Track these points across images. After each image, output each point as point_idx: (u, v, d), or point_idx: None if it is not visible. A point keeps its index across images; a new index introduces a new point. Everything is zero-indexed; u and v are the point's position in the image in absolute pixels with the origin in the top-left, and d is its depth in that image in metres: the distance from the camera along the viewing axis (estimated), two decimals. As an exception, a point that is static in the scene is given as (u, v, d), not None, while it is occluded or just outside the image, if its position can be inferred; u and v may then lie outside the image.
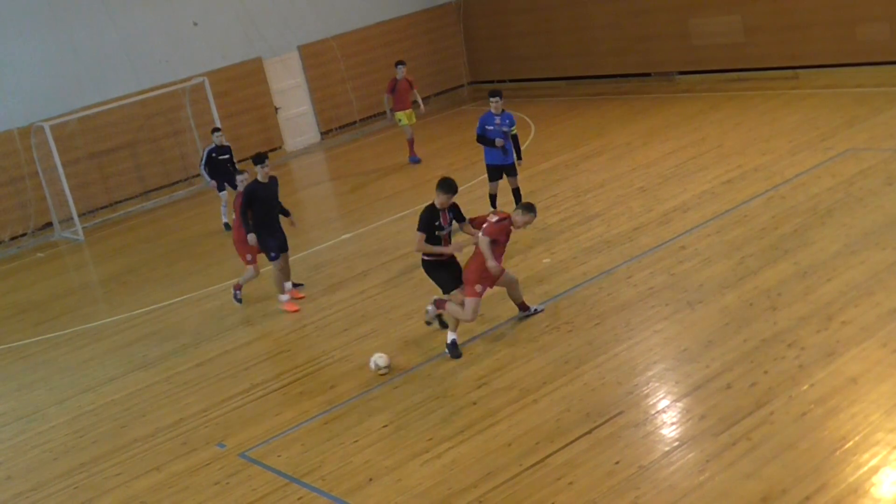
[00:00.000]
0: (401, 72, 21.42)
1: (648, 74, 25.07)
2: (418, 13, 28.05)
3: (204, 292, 15.88)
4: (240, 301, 14.65)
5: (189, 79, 23.09)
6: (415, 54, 27.57)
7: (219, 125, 21.97)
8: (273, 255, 13.94)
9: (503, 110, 15.30)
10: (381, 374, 11.36)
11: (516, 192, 15.63)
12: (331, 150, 25.58)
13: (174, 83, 23.00)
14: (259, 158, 13.76)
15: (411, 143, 22.00)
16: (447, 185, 11.44)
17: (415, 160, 21.82)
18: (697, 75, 23.96)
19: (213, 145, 18.98)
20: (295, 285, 14.72)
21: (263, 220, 13.84)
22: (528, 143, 21.38)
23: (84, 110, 21.81)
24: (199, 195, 23.04)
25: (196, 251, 18.86)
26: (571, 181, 17.76)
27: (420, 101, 21.74)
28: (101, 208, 22.64)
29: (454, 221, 11.78)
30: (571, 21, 26.21)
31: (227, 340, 13.54)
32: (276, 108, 25.40)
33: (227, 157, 18.98)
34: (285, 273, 14.27)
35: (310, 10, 25.92)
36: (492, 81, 24.64)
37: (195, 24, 23.98)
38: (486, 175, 15.90)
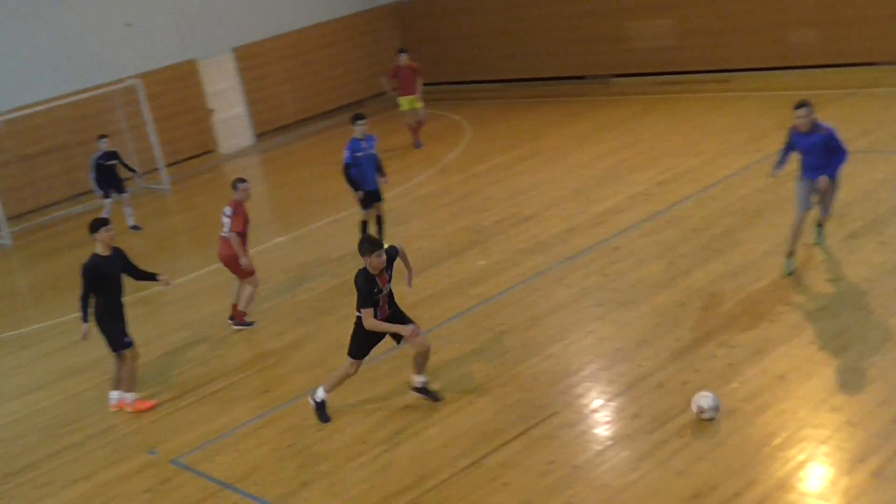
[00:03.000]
0: (403, 59, 21.62)
1: (583, 77, 25.26)
2: (355, 15, 27.99)
3: (135, 297, 15.61)
4: (250, 324, 13.34)
5: (122, 80, 22.79)
6: (352, 56, 27.54)
7: (145, 128, 21.78)
8: (128, 339, 11.27)
9: (366, 133, 14.80)
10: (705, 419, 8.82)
11: (380, 221, 15.17)
12: (266, 152, 25.41)
13: (106, 85, 22.67)
14: (96, 225, 11.11)
15: (412, 129, 22.06)
16: (371, 245, 9.60)
17: (419, 145, 21.93)
18: (632, 78, 24.21)
19: (100, 152, 19.10)
20: (247, 324, 13.36)
21: (108, 304, 11.13)
22: (463, 145, 21.42)
23: (13, 112, 21.40)
24: (131, 199, 22.70)
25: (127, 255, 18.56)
26: (506, 183, 17.82)
27: (420, 87, 21.76)
28: (30, 212, 22.24)
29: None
30: (507, 24, 26.33)
31: (159, 345, 13.36)
32: (211, 111, 25.18)
33: (114, 162, 19.18)
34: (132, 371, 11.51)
35: (244, 11, 25.73)
36: (429, 84, 24.60)
37: (128, 25, 23.67)
38: (424, 175, 15.86)
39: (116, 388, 11.54)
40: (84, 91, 22.38)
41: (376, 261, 9.54)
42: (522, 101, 25.00)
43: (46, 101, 21.91)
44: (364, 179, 14.76)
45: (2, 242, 20.96)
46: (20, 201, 21.99)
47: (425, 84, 22.33)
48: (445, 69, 27.73)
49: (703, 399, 8.72)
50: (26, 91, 21.97)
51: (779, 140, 16.68)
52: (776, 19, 21.44)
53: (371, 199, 14.98)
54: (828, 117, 17.45)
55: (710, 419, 8.68)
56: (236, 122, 25.88)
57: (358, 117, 14.90)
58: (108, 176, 19.17)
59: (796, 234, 11.52)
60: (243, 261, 12.86)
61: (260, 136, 26.24)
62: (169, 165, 23.33)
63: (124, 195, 19.63)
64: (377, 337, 9.99)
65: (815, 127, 11.46)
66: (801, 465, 7.86)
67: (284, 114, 26.60)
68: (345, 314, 13.03)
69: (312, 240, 16.74)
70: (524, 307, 12.21)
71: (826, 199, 11.80)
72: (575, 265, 13.20)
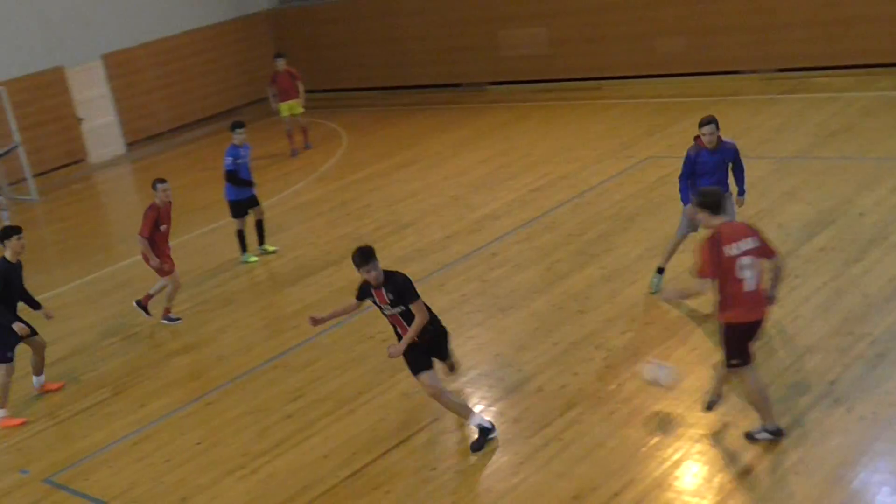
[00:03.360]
0: (280, 64, 21.39)
1: (459, 85, 25.46)
2: (229, 22, 27.61)
3: (4, 312, 15.17)
4: (177, 319, 13.27)
5: (-15, 88, 22.04)
6: (225, 64, 27.16)
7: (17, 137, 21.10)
8: (10, 354, 11.14)
9: (244, 141, 14.92)
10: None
11: (260, 225, 15.09)
12: (137, 161, 24.87)
13: (-31, 92, 21.91)
14: (9, 232, 11.07)
15: (290, 135, 21.85)
16: (360, 257, 8.68)
17: (295, 153, 21.77)
18: (506, 86, 24.49)
19: None
20: (171, 320, 13.30)
21: (3, 313, 10.92)
22: (340, 153, 21.36)
23: None
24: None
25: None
26: (384, 191, 17.84)
27: (302, 92, 21.58)
28: None
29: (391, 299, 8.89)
30: (383, 32, 26.37)
31: (28, 362, 12.91)
32: (80, 119, 24.52)
33: None
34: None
35: (113, 18, 25.12)
36: (305, 92, 24.40)
37: (-9, 31, 22.93)
38: (302, 183, 15.78)
39: None
40: (-56, 99, 21.58)
41: (366, 276, 8.73)
42: (399, 109, 25.06)
43: None
44: (231, 188, 14.84)
45: None
46: None
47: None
48: (321, 77, 27.57)
49: (655, 371, 8.81)
50: None
51: (651, 146, 17.24)
52: (646, 28, 21.98)
53: (248, 205, 14.91)
54: (696, 124, 18.04)
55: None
56: (107, 131, 25.24)
57: (237, 125, 14.93)
58: None
59: (671, 252, 11.37)
60: (151, 263, 12.92)
61: (131, 144, 25.65)
62: (37, 175, 22.61)
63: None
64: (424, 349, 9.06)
65: (720, 143, 10.93)
66: (677, 463, 8.07)
67: (157, 122, 26.08)
68: (222, 325, 12.93)
69: (187, 250, 16.43)
70: (404, 314, 12.22)
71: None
72: (454, 272, 13.29)
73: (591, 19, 22.75)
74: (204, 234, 17.22)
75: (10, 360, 11.11)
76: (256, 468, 9.32)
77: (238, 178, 14.73)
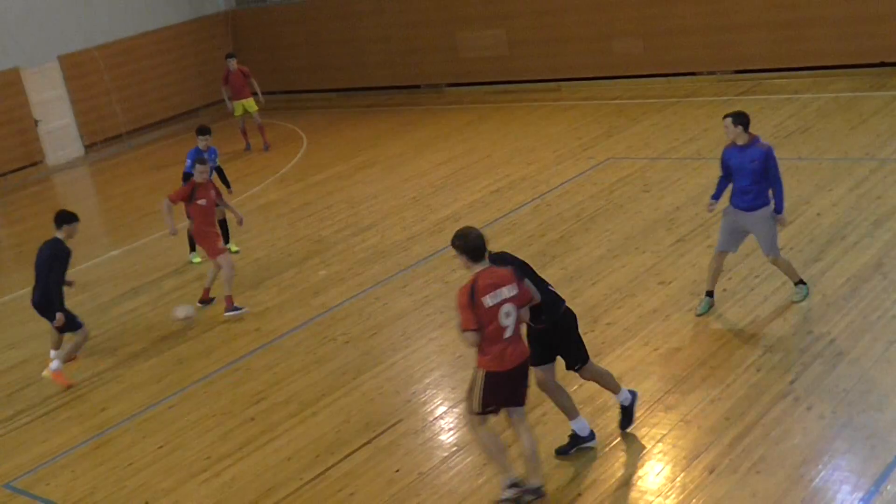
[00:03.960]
0: (232, 64, 21.62)
1: (418, 86, 25.47)
2: (186, 23, 27.43)
3: (-40, 316, 15.01)
4: (241, 309, 12.87)
5: (-62, 89, 21.76)
6: (183, 65, 26.98)
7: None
8: (78, 321, 11.74)
9: (209, 145, 15.01)
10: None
11: (223, 224, 14.88)
12: (96, 163, 24.65)
13: (-79, 94, 21.61)
14: (69, 217, 11.65)
15: (243, 133, 22.12)
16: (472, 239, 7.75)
17: (249, 148, 22.05)
18: (465, 87, 24.54)
19: None
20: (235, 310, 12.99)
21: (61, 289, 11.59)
22: (299, 155, 21.31)
23: None
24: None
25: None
26: (345, 192, 17.82)
27: (258, 91, 21.75)
28: None
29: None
30: (341, 33, 26.32)
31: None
32: (36, 121, 24.26)
33: None
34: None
35: (69, 19, 24.87)
36: (263, 93, 24.28)
37: (-56, 31, 22.64)
38: (262, 185, 15.72)
39: None
40: None
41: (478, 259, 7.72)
42: (358, 111, 25.03)
43: None
44: None
45: None
46: None
47: (256, 94, 22.04)
48: (280, 78, 27.47)
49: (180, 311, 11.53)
50: None
51: (610, 147, 17.36)
52: (602, 30, 22.12)
53: None
54: (655, 125, 18.29)
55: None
56: (64, 133, 24.98)
57: (202, 131, 15.02)
58: None
59: (714, 273, 10.63)
60: (168, 229, 13.19)
61: (89, 147, 25.41)
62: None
63: None
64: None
65: (751, 141, 10.13)
66: (639, 463, 8.13)
67: (115, 124, 25.83)
68: (178, 329, 12.79)
69: (147, 253, 16.34)
70: (366, 316, 12.23)
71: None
72: (416, 273, 13.31)
73: (550, 21, 22.86)
74: (163, 236, 17.07)
75: (80, 325, 11.68)
76: (220, 471, 9.29)
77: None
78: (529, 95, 22.75)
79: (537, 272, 8.24)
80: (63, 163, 24.74)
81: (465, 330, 7.47)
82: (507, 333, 7.49)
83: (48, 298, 11.46)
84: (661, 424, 8.66)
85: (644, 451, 8.32)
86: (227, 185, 15.33)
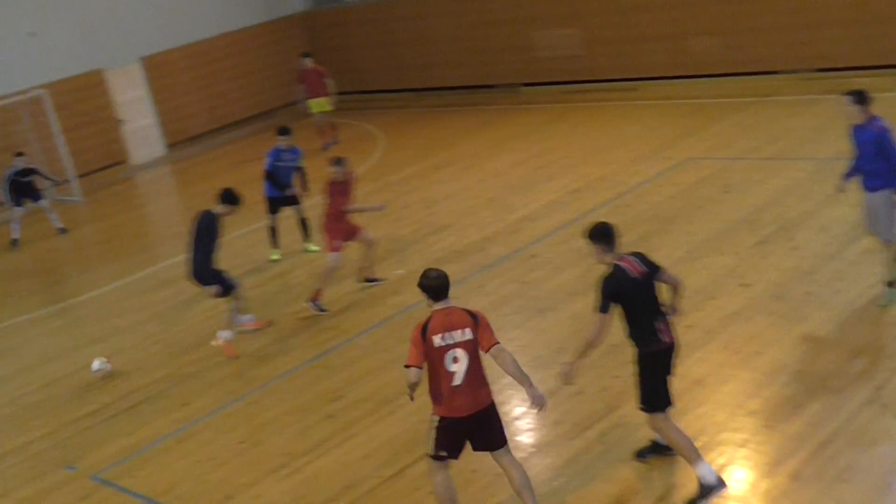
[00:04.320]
0: (307, 63, 22.21)
1: (493, 86, 25.46)
2: (263, 24, 27.80)
3: (49, 310, 15.39)
4: (322, 309, 13.06)
5: (26, 91, 22.27)
6: (261, 65, 27.34)
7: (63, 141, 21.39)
8: (230, 283, 12.28)
9: (291, 145, 15.29)
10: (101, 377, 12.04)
11: (303, 223, 15.44)
12: (177, 162, 25.09)
13: (10, 95, 22.12)
14: (232, 197, 12.06)
15: (319, 131, 22.51)
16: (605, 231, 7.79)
17: (327, 146, 22.25)
18: (540, 87, 24.47)
19: (16, 168, 19.32)
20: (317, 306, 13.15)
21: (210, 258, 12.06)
22: (376, 155, 21.44)
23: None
24: (42, 210, 22.25)
25: (40, 268, 18.27)
26: (422, 192, 17.89)
27: (332, 91, 22.26)
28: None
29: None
30: (415, 33, 26.43)
31: (74, 360, 13.10)
32: (120, 121, 24.78)
33: (30, 178, 19.47)
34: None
35: (152, 20, 25.37)
36: (338, 93, 24.47)
37: (31, 34, 23.15)
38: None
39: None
40: (-11, 101, 21.86)
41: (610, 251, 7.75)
42: (433, 111, 25.10)
43: (-53, 111, 21.35)
44: (270, 185, 15.18)
45: None
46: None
47: (335, 93, 22.34)
48: (354, 78, 27.68)
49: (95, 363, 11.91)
50: (-74, 101, 21.38)
51: (689, 147, 17.19)
52: (680, 29, 21.91)
53: (283, 204, 15.29)
54: (735, 125, 18.06)
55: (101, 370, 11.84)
56: (147, 133, 25.49)
57: (282, 132, 15.24)
58: (24, 190, 19.36)
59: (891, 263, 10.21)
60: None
61: (171, 146, 25.90)
62: (80, 176, 22.90)
63: (42, 202, 19.69)
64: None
65: (869, 121, 10.02)
66: (721, 468, 8.02)
67: (195, 124, 26.29)
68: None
69: (230, 250, 16.49)
70: (444, 316, 12.25)
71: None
72: (493, 273, 13.32)
73: (626, 19, 22.70)
74: (242, 235, 17.32)
75: (235, 286, 12.25)
76: (298, 468, 9.39)
77: (275, 179, 15.01)
78: (606, 95, 22.61)
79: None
80: (145, 161, 25.25)
81: (407, 365, 7.38)
82: (455, 381, 7.31)
83: (202, 269, 11.90)
84: (743, 429, 8.55)
85: (725, 457, 8.22)
86: (305, 186, 15.47)
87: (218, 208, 11.95)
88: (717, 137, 17.58)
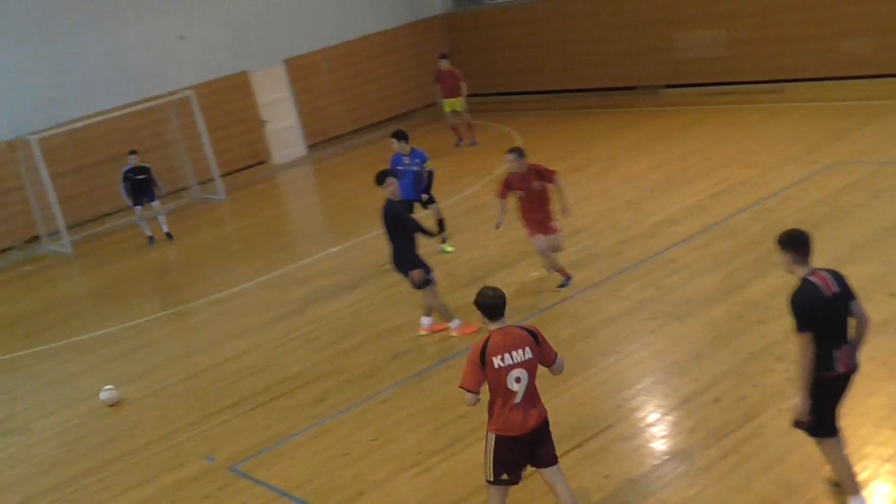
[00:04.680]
0: (444, 64, 23.19)
1: (633, 88, 25.15)
2: (403, 27, 28.08)
3: (191, 305, 15.86)
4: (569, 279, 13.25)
5: (175, 92, 23.05)
6: (400, 68, 27.61)
7: (207, 138, 22.06)
8: (428, 277, 12.17)
9: (412, 149, 15.48)
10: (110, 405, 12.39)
11: (440, 223, 15.68)
12: (318, 163, 25.57)
13: (160, 96, 22.94)
14: (383, 178, 12.18)
15: (453, 128, 23.54)
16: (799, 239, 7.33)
17: (460, 143, 23.33)
18: (682, 89, 24.05)
19: (129, 166, 19.98)
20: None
21: (410, 245, 12.11)
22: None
23: (71, 123, 21.70)
24: (187, 208, 23.00)
25: (184, 264, 18.86)
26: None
27: (465, 93, 23.01)
28: (88, 221, 22.53)
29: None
30: (557, 35, 26.29)
31: (215, 354, 13.50)
32: (263, 122, 25.39)
33: (143, 176, 20.02)
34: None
35: (295, 23, 25.93)
36: (478, 95, 24.63)
37: (181, 37, 23.95)
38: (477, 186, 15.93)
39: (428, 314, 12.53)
40: (139, 102, 22.65)
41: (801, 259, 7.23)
42: (572, 112, 24.94)
43: (103, 112, 22.18)
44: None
45: (62, 251, 21.25)
46: (79, 211, 22.28)
47: (474, 95, 22.57)
48: (493, 80, 27.73)
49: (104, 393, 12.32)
50: (84, 103, 22.26)
51: (837, 151, 16.64)
52: (829, 29, 21.23)
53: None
54: (886, 128, 17.41)
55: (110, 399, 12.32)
56: (288, 133, 26.06)
57: (400, 136, 15.51)
58: (139, 187, 19.98)
59: None
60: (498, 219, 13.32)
61: (312, 146, 26.41)
62: (223, 175, 23.56)
63: (155, 203, 20.33)
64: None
65: None
66: (864, 483, 7.74)
67: (335, 125, 26.74)
68: (397, 323, 13.15)
69: (365, 250, 16.81)
70: (577, 319, 12.18)
71: None
72: (629, 277, 13.15)
73: (773, 20, 22.11)
74: (380, 234, 17.51)
75: (431, 280, 12.13)
76: (430, 466, 9.44)
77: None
78: (750, 97, 22.07)
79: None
80: (287, 162, 25.80)
81: (462, 387, 7.36)
82: (517, 399, 7.27)
83: (402, 257, 12.01)
84: (889, 444, 8.23)
85: (869, 471, 7.92)
86: (428, 191, 15.60)
87: (384, 191, 12.02)
88: (867, 141, 16.97)
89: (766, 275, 12.16)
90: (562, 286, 13.18)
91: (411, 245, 12.07)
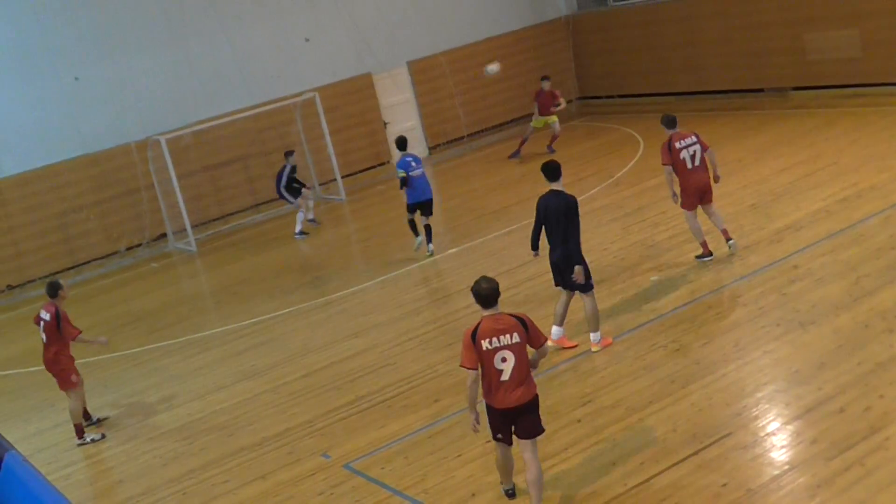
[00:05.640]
0: (546, 85, 23.62)
1: (761, 90, 24.59)
2: (527, 28, 28.02)
3: (312, 304, 16.10)
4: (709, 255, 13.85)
5: (300, 94, 23.46)
6: (523, 69, 27.52)
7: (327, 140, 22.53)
8: (589, 282, 11.76)
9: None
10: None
11: (428, 229, 17.04)
12: (438, 164, 25.70)
13: (285, 98, 23.38)
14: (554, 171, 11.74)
15: (524, 141, 23.99)
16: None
17: (517, 155, 23.92)
18: (812, 91, 23.42)
19: (289, 166, 21.10)
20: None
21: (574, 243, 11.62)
22: (636, 159, 21.18)
23: (198, 124, 22.30)
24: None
25: (304, 264, 19.17)
26: (680, 198, 17.48)
27: (562, 104, 23.65)
28: (214, 220, 23.11)
29: None
30: (681, 36, 25.88)
31: (333, 352, 13.69)
32: (385, 123, 25.65)
33: (295, 175, 21.44)
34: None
35: (418, 25, 26.12)
36: (600, 97, 24.42)
37: (307, 40, 24.37)
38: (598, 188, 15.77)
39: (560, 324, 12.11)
40: (264, 104, 23.13)
41: None
42: (697, 115, 24.46)
43: (229, 113, 22.73)
44: (409, 192, 16.93)
45: (187, 249, 21.85)
46: (204, 210, 22.88)
47: (595, 97, 22.34)
48: (617, 82, 27.46)
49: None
50: (210, 104, 22.86)
51: (973, 156, 15.97)
52: (970, 29, 20.44)
53: (413, 209, 17.03)
54: None
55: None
56: (410, 135, 26.01)
57: (403, 145, 17.52)
58: (292, 186, 21.19)
59: None
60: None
61: (433, 148, 26.57)
62: (344, 176, 23.88)
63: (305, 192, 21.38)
64: None
65: None
66: None
67: (457, 126, 26.83)
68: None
69: (484, 252, 16.84)
70: (698, 324, 11.96)
71: None
72: (751, 283, 12.86)
73: (909, 20, 21.37)
74: (498, 236, 17.56)
75: (591, 286, 11.76)
76: (545, 470, 9.34)
77: (406, 181, 16.75)
78: (884, 99, 21.35)
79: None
80: (408, 163, 25.93)
81: (462, 366, 8.35)
82: (504, 377, 8.25)
83: (575, 252, 11.48)
84: None
85: None
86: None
87: (556, 185, 11.63)
88: None
89: (895, 283, 11.74)
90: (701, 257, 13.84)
91: (579, 240, 11.57)
